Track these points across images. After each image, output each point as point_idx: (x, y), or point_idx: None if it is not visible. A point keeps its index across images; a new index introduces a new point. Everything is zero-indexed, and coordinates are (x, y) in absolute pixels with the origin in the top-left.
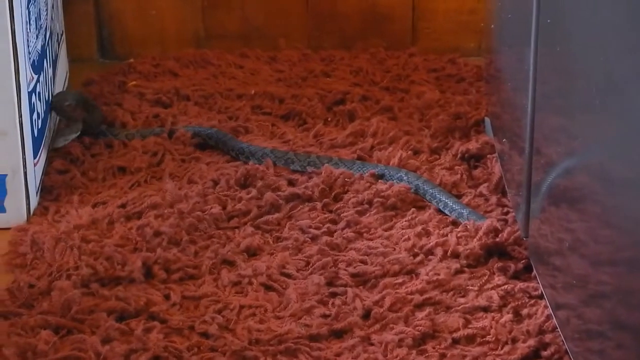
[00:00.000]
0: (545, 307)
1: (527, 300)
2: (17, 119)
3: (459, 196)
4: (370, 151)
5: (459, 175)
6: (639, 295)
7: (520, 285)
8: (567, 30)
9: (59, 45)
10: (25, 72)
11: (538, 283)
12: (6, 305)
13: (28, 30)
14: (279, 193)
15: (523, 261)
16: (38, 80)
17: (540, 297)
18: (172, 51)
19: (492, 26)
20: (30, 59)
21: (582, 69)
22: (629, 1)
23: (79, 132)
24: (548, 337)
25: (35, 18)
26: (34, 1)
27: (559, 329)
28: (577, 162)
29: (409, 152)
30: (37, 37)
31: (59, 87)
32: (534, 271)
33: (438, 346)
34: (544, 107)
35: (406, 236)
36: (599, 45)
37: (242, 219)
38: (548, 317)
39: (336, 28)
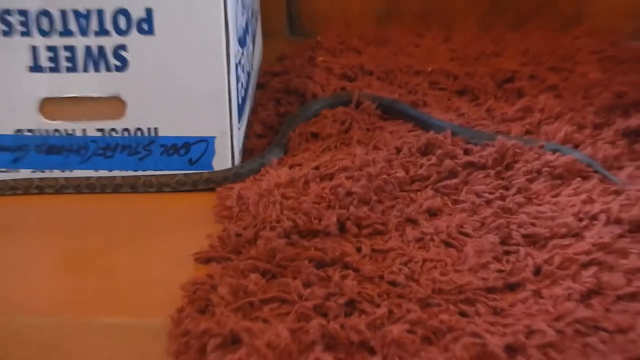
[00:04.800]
0: None
1: None
2: (227, 87)
3: (620, 168)
4: (537, 125)
5: (620, 149)
6: None
7: None
8: None
9: (256, 22)
10: (234, 46)
11: None
12: (218, 251)
13: (236, 8)
14: (456, 161)
15: None
16: (242, 54)
17: None
18: (355, 29)
19: None
20: (237, 34)
21: None
22: None
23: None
24: None
25: None
26: None
27: None
28: None
29: (574, 127)
30: (242, 14)
31: (257, 61)
32: None
33: (603, 301)
34: None
35: (572, 203)
36: None
37: (424, 182)
38: None
39: (507, 9)
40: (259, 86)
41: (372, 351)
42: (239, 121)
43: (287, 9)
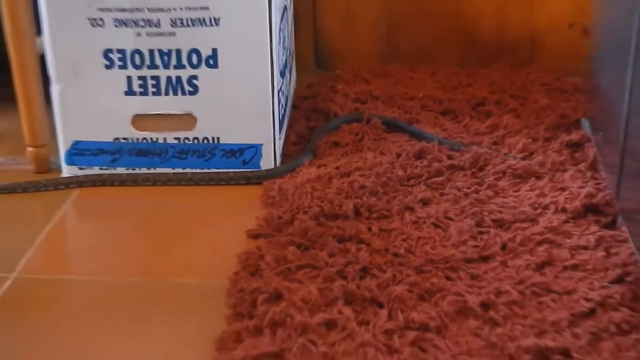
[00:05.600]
0: (629, 248)
1: (614, 243)
2: (271, 107)
3: (564, 171)
4: (502, 138)
5: (564, 157)
6: None
7: (610, 233)
8: None
9: (292, 59)
10: (277, 76)
11: (622, 232)
12: (264, 229)
13: (279, 50)
14: (442, 163)
15: (611, 217)
16: (282, 82)
17: (625, 241)
18: (365, 65)
19: (594, 54)
20: (279, 68)
21: None
22: None
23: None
24: (630, 268)
25: (283, 40)
26: (282, 27)
27: None
28: None
29: (529, 140)
30: (283, 54)
31: (292, 88)
32: (619, 223)
33: (553, 270)
34: (636, 113)
35: (529, 196)
36: None
37: (418, 179)
38: (631, 254)
39: (475, 52)
40: (294, 107)
41: (380, 305)
42: (280, 132)
43: (314, 50)
